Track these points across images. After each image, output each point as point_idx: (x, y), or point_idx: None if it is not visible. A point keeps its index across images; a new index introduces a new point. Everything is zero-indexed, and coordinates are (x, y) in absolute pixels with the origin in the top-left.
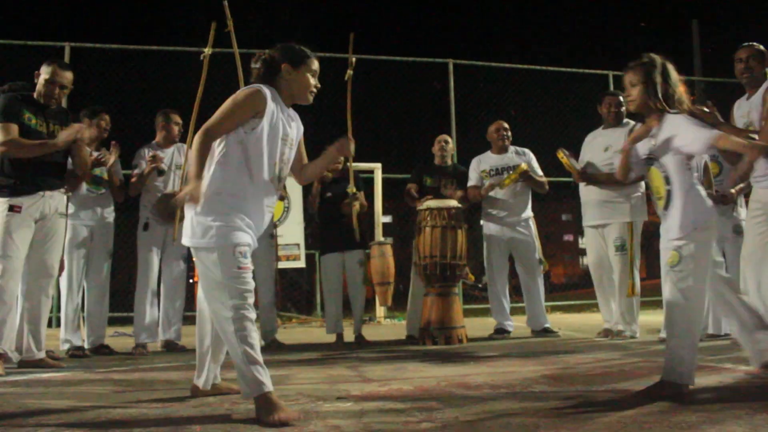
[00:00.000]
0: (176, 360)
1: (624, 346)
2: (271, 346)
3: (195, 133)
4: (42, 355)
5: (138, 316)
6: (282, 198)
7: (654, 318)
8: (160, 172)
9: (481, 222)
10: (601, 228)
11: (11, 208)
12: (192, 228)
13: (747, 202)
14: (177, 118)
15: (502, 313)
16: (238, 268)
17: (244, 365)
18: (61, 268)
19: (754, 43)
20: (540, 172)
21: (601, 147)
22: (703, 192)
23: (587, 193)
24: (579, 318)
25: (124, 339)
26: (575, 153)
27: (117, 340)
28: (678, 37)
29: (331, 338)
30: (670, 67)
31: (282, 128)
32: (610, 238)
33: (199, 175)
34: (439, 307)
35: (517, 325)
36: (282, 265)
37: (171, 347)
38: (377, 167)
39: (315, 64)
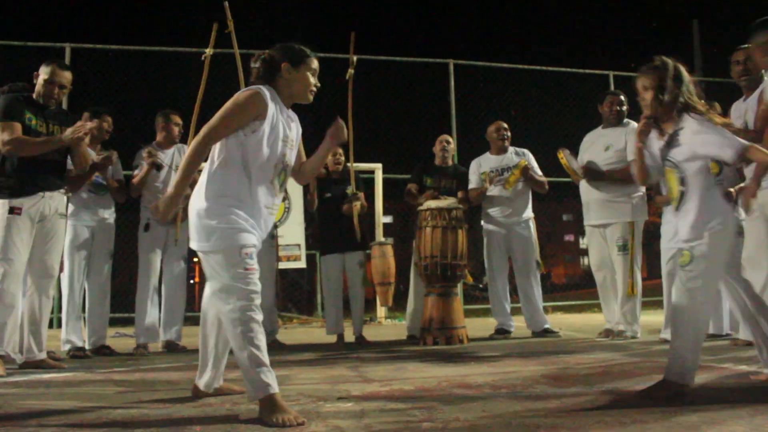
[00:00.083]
0: (177, 360)
1: (625, 346)
2: (272, 347)
3: (196, 133)
4: (43, 355)
5: (139, 316)
6: (283, 199)
7: (655, 318)
8: (158, 167)
9: (482, 222)
10: (603, 228)
11: (11, 210)
12: (197, 231)
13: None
14: (177, 119)
15: (503, 313)
16: (245, 269)
17: (249, 367)
18: (61, 269)
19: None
20: (539, 172)
21: (602, 146)
22: (721, 194)
23: (588, 192)
24: (580, 318)
25: (125, 340)
26: (575, 153)
27: (118, 340)
28: (678, 37)
29: (332, 338)
30: (683, 70)
31: (282, 130)
32: (612, 238)
33: (181, 184)
34: (439, 308)
35: (518, 325)
36: (283, 265)
37: (172, 348)
38: (378, 167)
39: (315, 63)
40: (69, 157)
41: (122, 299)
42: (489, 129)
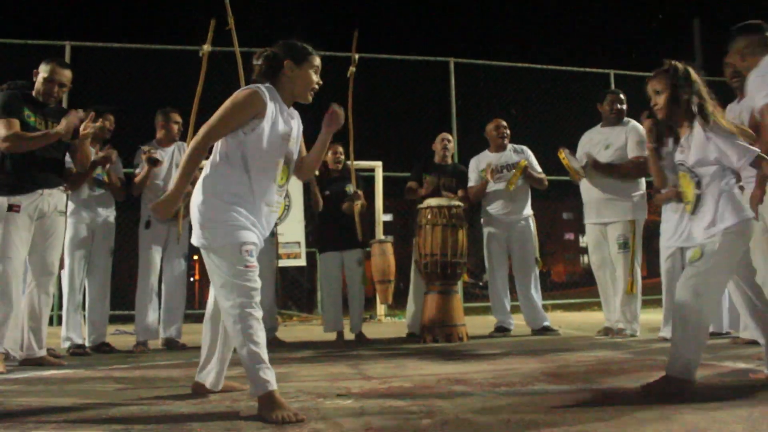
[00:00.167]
0: (177, 358)
1: (624, 344)
2: (272, 344)
3: (195, 131)
4: (43, 353)
5: (139, 314)
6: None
7: (654, 316)
8: (154, 162)
9: (481, 220)
10: (603, 226)
11: (10, 208)
12: (199, 228)
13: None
14: (176, 117)
15: (503, 311)
16: (245, 266)
17: (249, 363)
18: (62, 266)
19: None
20: (539, 169)
21: (602, 145)
22: (739, 197)
23: (589, 191)
24: (579, 316)
25: (125, 337)
26: (575, 152)
27: (118, 337)
28: (679, 36)
29: (332, 336)
30: (693, 74)
31: (282, 127)
32: (612, 236)
33: (181, 183)
34: (439, 305)
35: (518, 323)
36: (283, 263)
37: (172, 345)
38: (378, 165)
39: (317, 61)
40: (68, 154)
41: (122, 296)
42: (488, 127)
